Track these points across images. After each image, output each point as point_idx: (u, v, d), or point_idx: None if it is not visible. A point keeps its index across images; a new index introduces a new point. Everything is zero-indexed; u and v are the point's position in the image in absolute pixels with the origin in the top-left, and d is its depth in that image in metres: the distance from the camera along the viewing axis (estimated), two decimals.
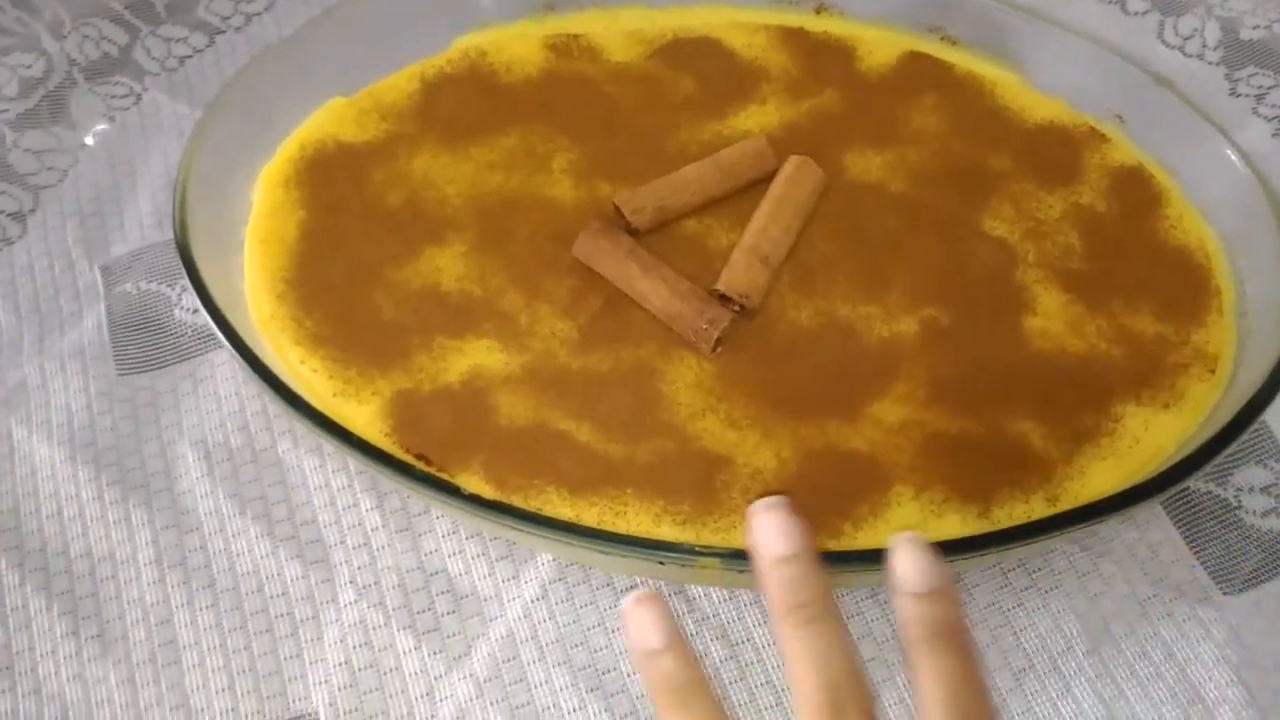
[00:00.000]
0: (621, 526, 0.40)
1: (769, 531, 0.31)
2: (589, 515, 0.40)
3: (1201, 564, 0.44)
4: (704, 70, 0.52)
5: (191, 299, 0.48)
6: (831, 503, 0.40)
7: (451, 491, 0.38)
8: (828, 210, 0.47)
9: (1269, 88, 0.57)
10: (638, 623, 0.30)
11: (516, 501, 0.40)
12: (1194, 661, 0.41)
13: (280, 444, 0.46)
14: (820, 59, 0.52)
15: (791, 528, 0.31)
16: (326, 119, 0.50)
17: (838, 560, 0.37)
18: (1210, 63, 0.58)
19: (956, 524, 0.40)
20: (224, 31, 0.59)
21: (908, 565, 0.30)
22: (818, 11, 0.53)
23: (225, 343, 0.41)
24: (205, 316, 0.41)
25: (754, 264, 0.44)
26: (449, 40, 0.52)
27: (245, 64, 0.50)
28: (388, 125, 0.50)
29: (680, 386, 0.43)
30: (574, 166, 0.48)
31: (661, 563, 0.37)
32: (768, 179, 0.47)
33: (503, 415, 0.42)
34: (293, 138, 0.49)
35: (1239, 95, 0.57)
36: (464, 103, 0.50)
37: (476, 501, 0.38)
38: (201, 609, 0.43)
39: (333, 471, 0.45)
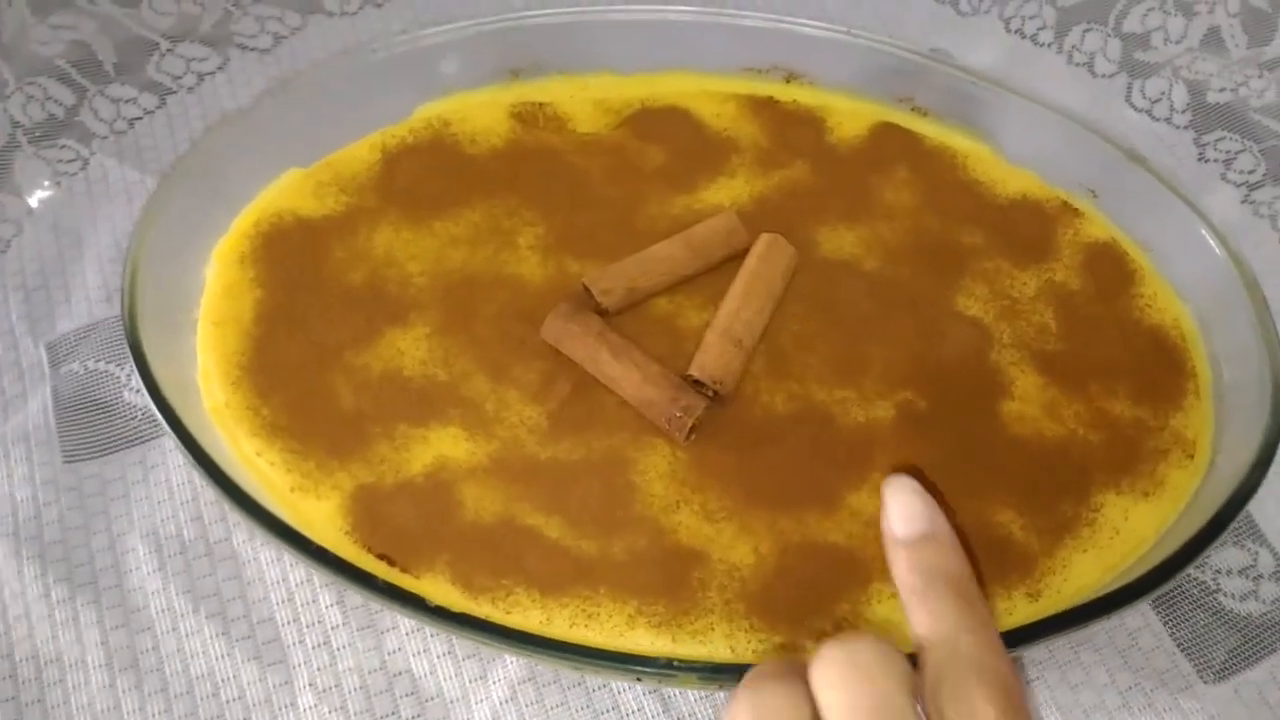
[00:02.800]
0: (594, 629, 0.38)
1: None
2: (560, 617, 0.38)
3: (1181, 650, 0.43)
4: (673, 141, 0.50)
5: (139, 379, 0.46)
6: (812, 601, 0.39)
7: (416, 604, 0.36)
8: (800, 289, 0.46)
9: (1237, 152, 0.57)
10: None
11: (484, 604, 0.39)
12: None
13: (235, 535, 0.44)
14: (790, 129, 0.51)
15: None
16: (283, 192, 0.48)
17: None
18: (1178, 126, 0.58)
19: None
20: (175, 92, 0.57)
21: (898, 509, 0.30)
22: (787, 80, 0.53)
23: (175, 439, 0.39)
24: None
25: (727, 348, 0.43)
26: (411, 108, 0.51)
27: (200, 134, 0.48)
28: (347, 198, 0.48)
29: (653, 477, 0.42)
30: (541, 242, 0.47)
31: (639, 678, 0.36)
32: (739, 256, 0.46)
33: (469, 509, 0.41)
34: (248, 211, 0.48)
35: (1207, 160, 0.57)
36: (426, 174, 0.49)
37: (443, 614, 0.36)
38: (155, 715, 0.41)
39: (290, 565, 0.43)
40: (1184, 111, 0.59)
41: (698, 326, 0.45)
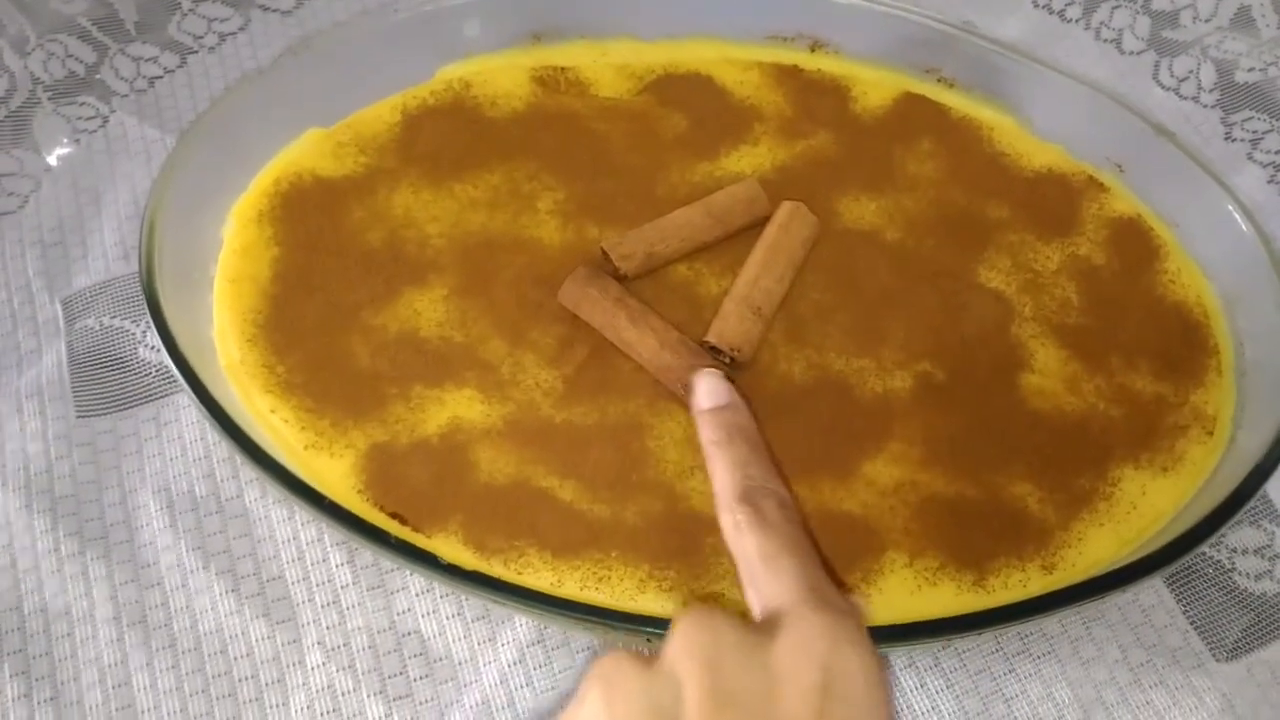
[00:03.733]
0: (605, 592, 0.38)
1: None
2: (571, 580, 0.38)
3: (1194, 628, 0.43)
4: (695, 108, 0.50)
5: (157, 336, 0.46)
6: (825, 568, 0.39)
7: (429, 560, 0.36)
8: (821, 259, 0.46)
9: (1264, 132, 0.56)
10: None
11: (496, 565, 0.38)
12: None
13: (247, 493, 0.44)
14: (814, 99, 0.50)
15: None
16: (303, 151, 0.48)
17: None
18: (1206, 105, 0.58)
19: (951, 592, 0.39)
20: (196, 52, 0.57)
21: (703, 389, 0.37)
22: (812, 49, 0.52)
23: (191, 394, 0.39)
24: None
25: (746, 315, 0.43)
26: (432, 70, 0.50)
27: (220, 93, 0.48)
28: (367, 159, 0.48)
29: (668, 442, 0.41)
30: (560, 207, 0.47)
31: (649, 640, 0.36)
32: (760, 224, 0.46)
33: (482, 471, 0.40)
34: (267, 170, 0.47)
35: (1234, 140, 0.56)
36: (447, 137, 0.49)
37: (455, 572, 0.36)
38: (162, 671, 0.41)
39: (302, 524, 0.43)
40: (1211, 90, 0.58)
41: (716, 294, 0.44)
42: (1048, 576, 0.39)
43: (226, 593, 0.42)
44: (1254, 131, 0.57)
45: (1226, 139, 0.56)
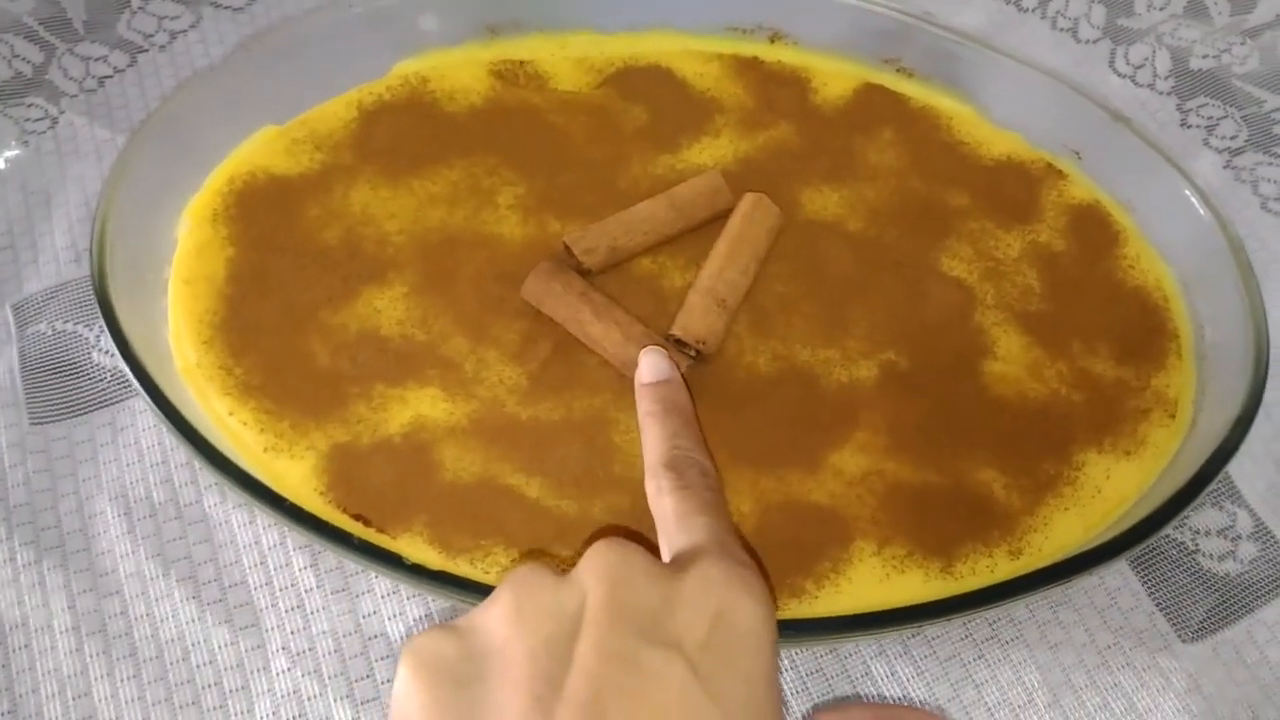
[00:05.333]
0: None
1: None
2: None
3: (1160, 610, 0.43)
4: (656, 100, 0.50)
5: (109, 340, 0.45)
6: (793, 559, 0.39)
7: (393, 561, 0.36)
8: (784, 249, 0.46)
9: (1219, 119, 0.57)
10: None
11: (462, 564, 0.38)
12: (1154, 712, 0.41)
13: (206, 498, 0.43)
14: (775, 90, 0.50)
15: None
16: (257, 149, 0.47)
17: (801, 629, 0.35)
18: (1161, 92, 0.58)
19: (919, 580, 0.39)
20: (146, 50, 0.56)
21: (646, 365, 0.39)
22: (772, 40, 0.52)
23: (146, 398, 0.38)
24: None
25: (711, 308, 0.43)
26: (388, 66, 0.50)
27: (172, 90, 0.47)
28: (323, 156, 0.47)
29: (635, 438, 0.41)
30: (521, 202, 0.46)
31: None
32: (723, 216, 0.45)
33: (447, 470, 0.40)
34: (221, 169, 0.47)
35: (1190, 126, 0.57)
36: (404, 132, 0.48)
37: (420, 572, 0.36)
38: (123, 680, 0.40)
39: (263, 528, 0.43)
40: (1167, 78, 0.58)
41: (681, 287, 0.44)
42: (1014, 562, 0.39)
43: (187, 599, 0.41)
44: (1209, 118, 0.57)
45: (1182, 125, 0.57)
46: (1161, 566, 0.44)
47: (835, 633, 0.35)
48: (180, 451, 0.44)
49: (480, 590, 0.36)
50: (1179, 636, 0.43)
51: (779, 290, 0.45)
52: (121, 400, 0.45)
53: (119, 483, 0.44)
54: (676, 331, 0.42)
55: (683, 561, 0.29)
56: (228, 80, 0.47)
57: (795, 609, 0.38)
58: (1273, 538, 0.45)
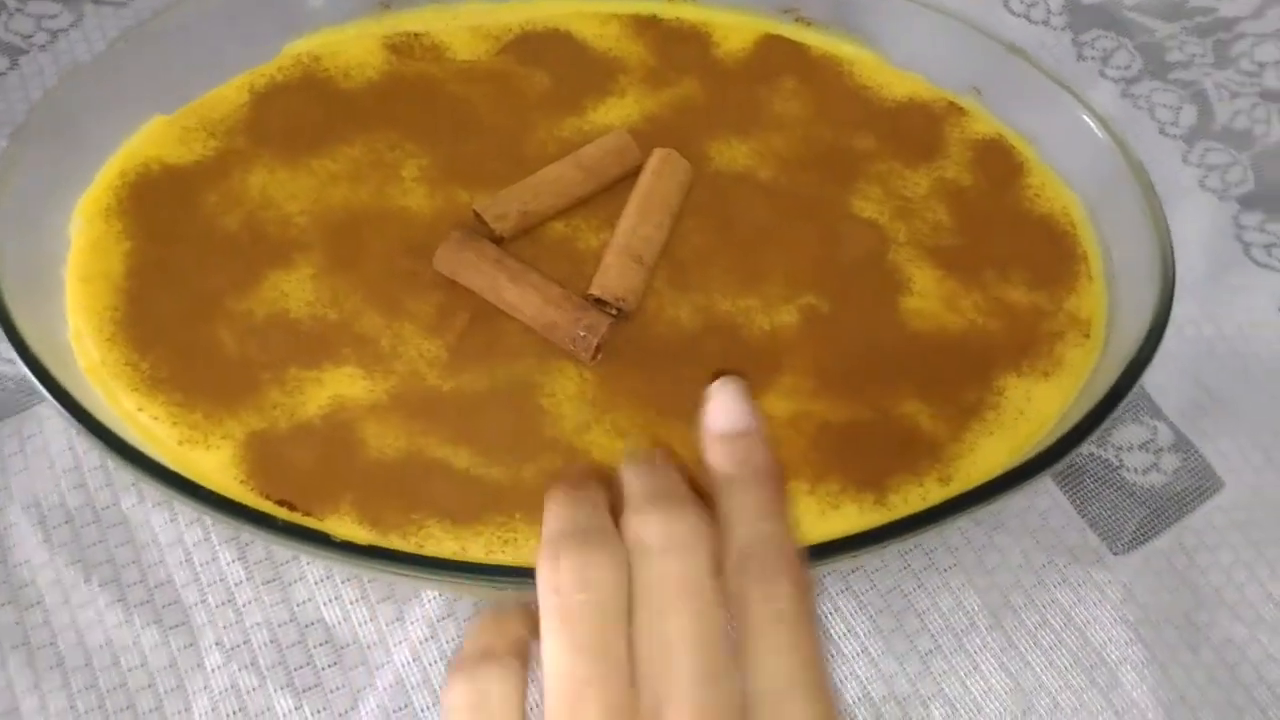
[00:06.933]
0: (511, 554, 0.37)
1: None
2: (475, 546, 0.37)
3: (1090, 526, 0.44)
4: (557, 64, 0.49)
5: (9, 347, 0.43)
6: None
7: (321, 540, 0.35)
8: (697, 203, 0.45)
9: (1113, 50, 0.58)
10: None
11: (395, 540, 0.37)
12: (1093, 624, 0.42)
13: (124, 500, 0.42)
14: (676, 47, 0.50)
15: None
16: (148, 140, 0.46)
17: None
18: (1056, 28, 0.59)
19: (854, 514, 0.39)
20: (27, 51, 0.54)
21: (719, 410, 0.29)
22: None
23: (49, 397, 0.37)
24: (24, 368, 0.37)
25: (628, 265, 0.42)
26: (278, 47, 0.49)
27: (53, 85, 0.45)
28: (216, 142, 0.46)
29: (562, 399, 0.41)
30: (426, 174, 0.46)
31: None
32: (633, 174, 0.45)
33: (371, 448, 0.39)
34: (112, 163, 0.45)
35: (1085, 59, 0.58)
36: (300, 113, 0.47)
37: (350, 549, 0.35)
38: (51, 691, 0.38)
39: (186, 525, 0.41)
40: (1060, 13, 0.60)
41: (596, 248, 0.44)
42: (945, 488, 0.40)
43: (113, 603, 0.40)
44: (1103, 50, 0.59)
45: (1079, 59, 0.58)
46: (1089, 484, 0.45)
47: None
48: (93, 454, 0.43)
49: (414, 562, 0.35)
50: (1110, 550, 0.44)
51: (695, 243, 0.45)
52: (27, 408, 0.44)
53: (30, 491, 0.42)
54: (595, 291, 0.42)
55: None
56: (109, 72, 0.45)
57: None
58: (1193, 448, 0.46)
